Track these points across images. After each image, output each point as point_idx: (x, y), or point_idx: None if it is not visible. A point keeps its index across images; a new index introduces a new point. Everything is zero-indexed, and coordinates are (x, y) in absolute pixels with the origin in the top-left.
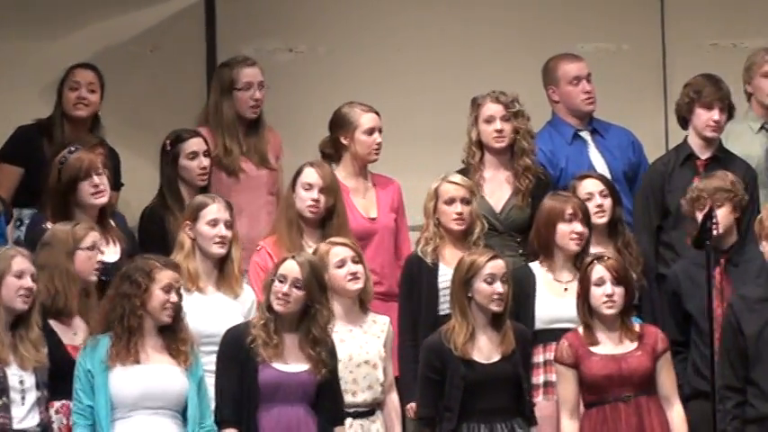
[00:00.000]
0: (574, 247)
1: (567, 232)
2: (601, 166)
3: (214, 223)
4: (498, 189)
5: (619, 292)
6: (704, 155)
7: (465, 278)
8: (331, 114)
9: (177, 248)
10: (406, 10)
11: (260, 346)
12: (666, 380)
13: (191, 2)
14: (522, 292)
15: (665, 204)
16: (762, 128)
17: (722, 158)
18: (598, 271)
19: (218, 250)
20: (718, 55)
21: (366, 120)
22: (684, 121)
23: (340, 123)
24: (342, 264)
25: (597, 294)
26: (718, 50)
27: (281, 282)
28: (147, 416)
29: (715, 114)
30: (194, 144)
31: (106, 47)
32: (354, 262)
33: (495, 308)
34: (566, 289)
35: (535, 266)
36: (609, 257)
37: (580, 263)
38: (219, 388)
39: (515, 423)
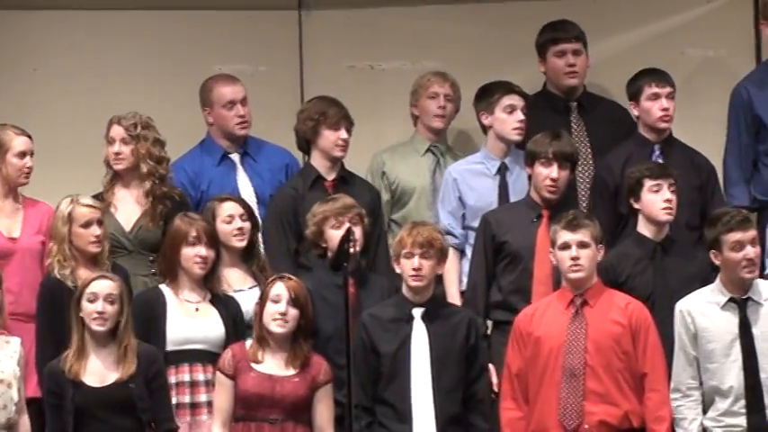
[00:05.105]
0: (198, 270)
1: (192, 255)
2: (247, 189)
3: None
4: (127, 208)
5: (293, 313)
6: (330, 176)
7: (76, 297)
8: None
9: None
10: (44, 29)
11: None
12: (324, 411)
13: None
14: (152, 314)
15: (299, 228)
16: (428, 150)
17: (348, 178)
18: (277, 288)
19: None
20: (356, 76)
21: (18, 143)
22: (307, 145)
23: None
24: None
25: (271, 311)
26: (355, 72)
27: None
28: None
29: (342, 133)
30: None
31: None
32: None
33: (94, 327)
34: (197, 309)
35: (164, 288)
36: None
37: (211, 284)
38: None
39: None
